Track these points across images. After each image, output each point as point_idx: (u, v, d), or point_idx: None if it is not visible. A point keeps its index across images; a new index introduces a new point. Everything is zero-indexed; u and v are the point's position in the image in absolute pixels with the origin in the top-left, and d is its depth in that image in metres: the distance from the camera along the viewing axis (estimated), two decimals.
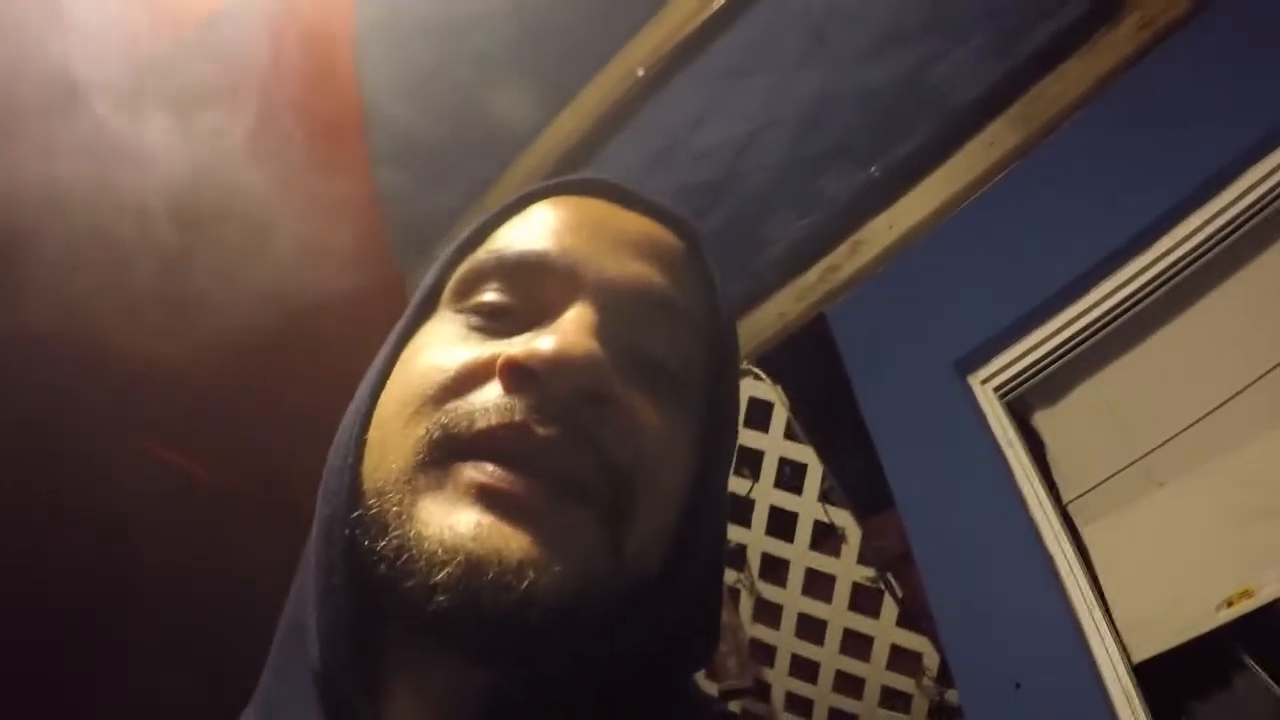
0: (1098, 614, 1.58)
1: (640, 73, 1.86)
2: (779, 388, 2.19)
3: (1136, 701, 1.49)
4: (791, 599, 2.12)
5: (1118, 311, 1.67)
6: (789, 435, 2.18)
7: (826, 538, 2.12)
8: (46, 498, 1.32)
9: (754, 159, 1.92)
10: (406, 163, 1.85)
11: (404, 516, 0.52)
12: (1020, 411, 1.80)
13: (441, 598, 0.49)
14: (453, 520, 0.51)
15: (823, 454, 2.13)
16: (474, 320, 0.61)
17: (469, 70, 1.81)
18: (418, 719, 0.54)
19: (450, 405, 0.55)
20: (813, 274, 2.05)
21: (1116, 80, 1.69)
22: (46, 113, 1.18)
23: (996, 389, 1.80)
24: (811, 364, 2.13)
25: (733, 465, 0.68)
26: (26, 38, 1.20)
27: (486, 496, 0.51)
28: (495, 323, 0.60)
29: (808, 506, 2.15)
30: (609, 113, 1.93)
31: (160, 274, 1.28)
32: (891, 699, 1.98)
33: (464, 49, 1.76)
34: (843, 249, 2.00)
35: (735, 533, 2.20)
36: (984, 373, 1.82)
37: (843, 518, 2.09)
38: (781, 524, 2.17)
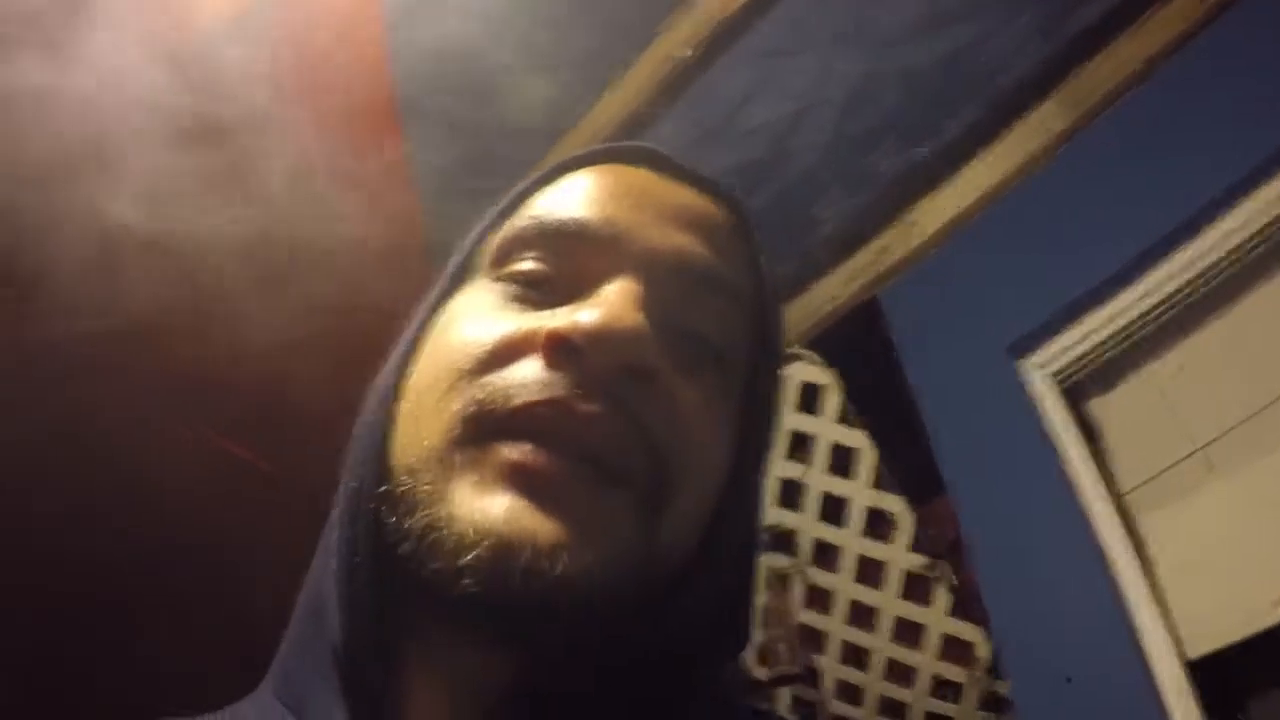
0: (1152, 608, 1.57)
1: (688, 53, 1.86)
2: (831, 371, 2.19)
3: (1190, 699, 1.48)
4: (843, 585, 2.13)
5: (1176, 297, 1.64)
6: (841, 420, 2.18)
7: (879, 524, 2.12)
8: (103, 495, 1.37)
9: (802, 138, 1.91)
10: (445, 148, 1.87)
11: (435, 496, 0.51)
12: (1075, 399, 1.78)
13: (469, 581, 0.48)
14: (485, 502, 0.50)
15: (875, 439, 2.13)
16: (511, 289, 0.59)
17: (509, 54, 1.83)
18: (439, 702, 0.54)
19: (487, 379, 0.54)
20: (864, 256, 2.05)
21: (1170, 58, 1.65)
22: (80, 118, 1.22)
23: (1051, 375, 1.78)
24: (864, 347, 2.12)
25: (773, 449, 0.68)
26: (57, 36, 1.25)
27: (522, 478, 0.50)
28: (533, 292, 0.59)
29: (860, 492, 2.15)
30: (654, 93, 1.93)
31: (199, 271, 1.33)
32: (942, 688, 1.98)
33: (504, 32, 1.77)
34: (894, 230, 1.99)
35: (787, 518, 2.21)
36: (1038, 358, 1.80)
37: (895, 504, 2.08)
38: (833, 509, 2.18)
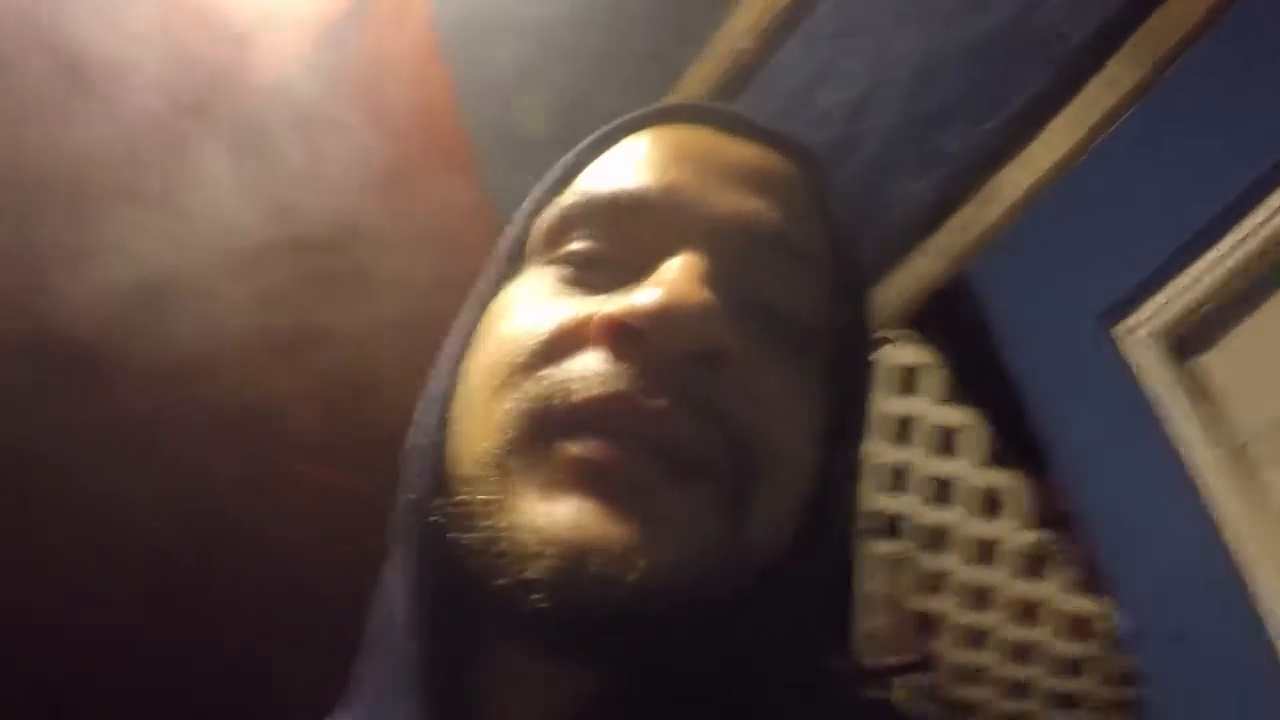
0: (1271, 566, 1.53)
1: (747, 44, 1.88)
2: (928, 350, 2.18)
3: None
4: (956, 567, 2.11)
5: (1271, 244, 1.59)
6: (943, 399, 2.17)
7: (988, 502, 2.09)
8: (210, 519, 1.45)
9: (870, 121, 1.92)
10: (514, 159, 1.92)
11: (495, 506, 0.49)
12: (1177, 358, 1.74)
13: (538, 596, 0.45)
14: (549, 507, 0.47)
15: (978, 416, 2.11)
16: (565, 273, 0.56)
17: (567, 67, 1.87)
18: (519, 715, 0.52)
19: (544, 373, 0.51)
20: (946, 232, 2.03)
21: None
22: (166, 145, 1.32)
23: (1150, 336, 1.75)
24: (960, 323, 2.10)
25: (869, 424, 0.62)
26: (137, 56, 1.34)
27: (589, 477, 0.47)
28: (590, 275, 0.55)
29: (967, 471, 2.13)
30: (716, 89, 1.96)
31: (272, 294, 1.41)
32: (1065, 666, 1.95)
33: (560, 46, 1.82)
34: (973, 204, 1.97)
35: (893, 502, 2.21)
36: (1135, 320, 1.77)
37: (1003, 480, 2.06)
38: (941, 491, 2.16)
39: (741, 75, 1.93)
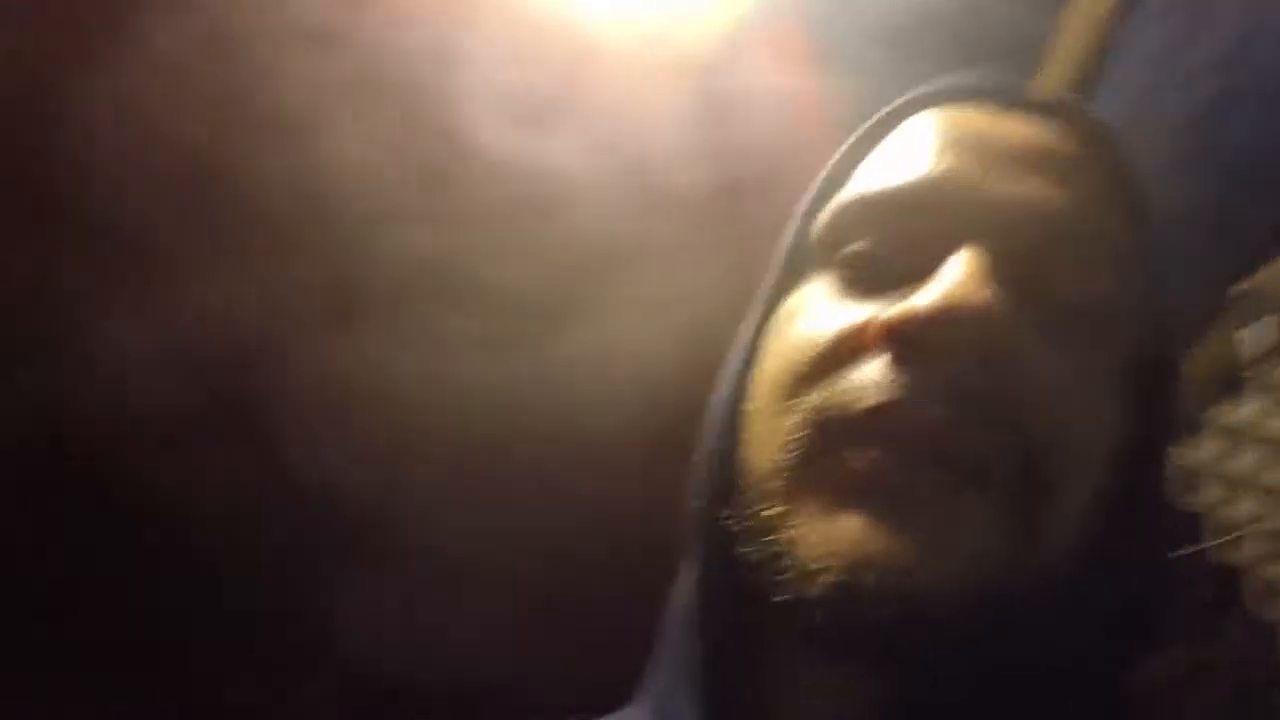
0: None
1: (1099, 13, 1.81)
2: None
3: None
4: None
5: None
6: None
7: None
8: None
9: (1244, 75, 1.75)
10: None
11: (778, 520, 0.49)
12: None
13: (817, 611, 0.46)
14: (831, 522, 0.47)
15: None
16: (846, 275, 0.54)
17: (930, 57, 1.90)
18: (803, 715, 0.53)
19: (825, 383, 0.50)
20: None
21: None
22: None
23: None
24: None
25: (1177, 425, 0.60)
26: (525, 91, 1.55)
27: (869, 490, 0.47)
28: (871, 276, 0.53)
29: None
30: (1085, 59, 1.90)
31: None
32: None
33: (911, 47, 1.86)
34: None
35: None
36: None
37: None
38: None
39: (1109, 41, 1.84)
